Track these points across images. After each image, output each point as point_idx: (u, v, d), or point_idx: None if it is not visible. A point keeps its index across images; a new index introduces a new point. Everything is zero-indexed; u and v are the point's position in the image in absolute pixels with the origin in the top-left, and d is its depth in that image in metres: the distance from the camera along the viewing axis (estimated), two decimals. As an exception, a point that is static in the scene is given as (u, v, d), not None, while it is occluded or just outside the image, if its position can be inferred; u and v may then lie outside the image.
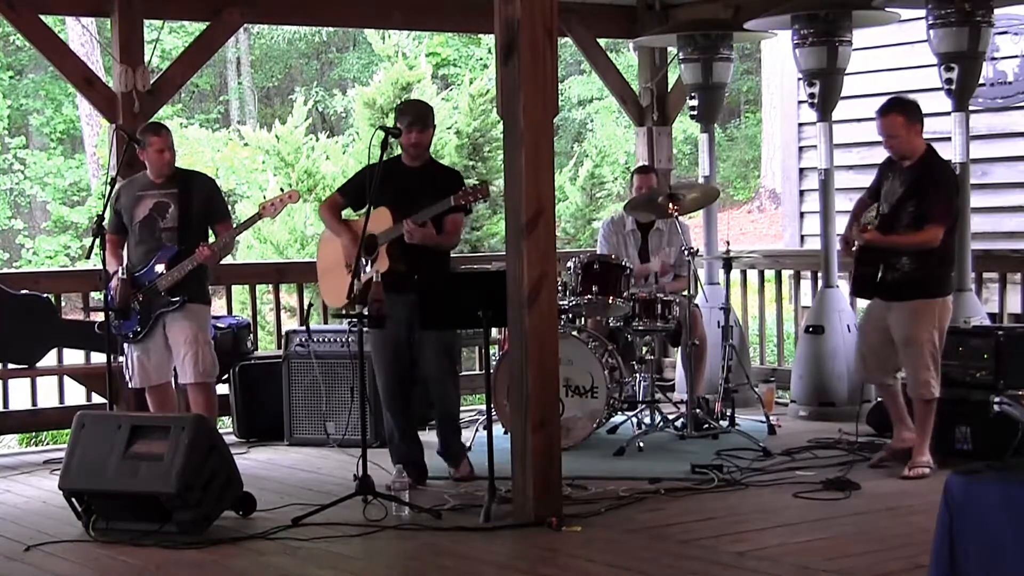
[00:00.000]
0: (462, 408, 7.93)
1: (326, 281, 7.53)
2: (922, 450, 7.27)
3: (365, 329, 6.80)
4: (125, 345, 7.62)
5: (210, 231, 7.54)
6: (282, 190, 7.34)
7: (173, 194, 7.52)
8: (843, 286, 8.79)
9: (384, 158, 6.96)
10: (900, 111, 7.21)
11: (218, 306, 8.33)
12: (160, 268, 7.42)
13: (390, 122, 15.32)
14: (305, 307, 7.86)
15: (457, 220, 7.22)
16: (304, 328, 8.41)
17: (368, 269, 6.99)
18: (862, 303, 7.97)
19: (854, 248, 7.33)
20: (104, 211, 7.50)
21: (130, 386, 7.70)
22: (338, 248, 7.34)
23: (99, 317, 7.90)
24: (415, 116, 7.26)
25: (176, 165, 7.67)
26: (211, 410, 7.49)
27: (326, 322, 9.58)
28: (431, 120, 7.33)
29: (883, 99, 7.45)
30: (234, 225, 7.77)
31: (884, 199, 7.26)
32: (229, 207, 7.80)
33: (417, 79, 15.94)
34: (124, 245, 7.67)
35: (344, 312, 6.97)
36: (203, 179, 7.81)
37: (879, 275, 7.19)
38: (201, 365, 7.48)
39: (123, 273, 7.40)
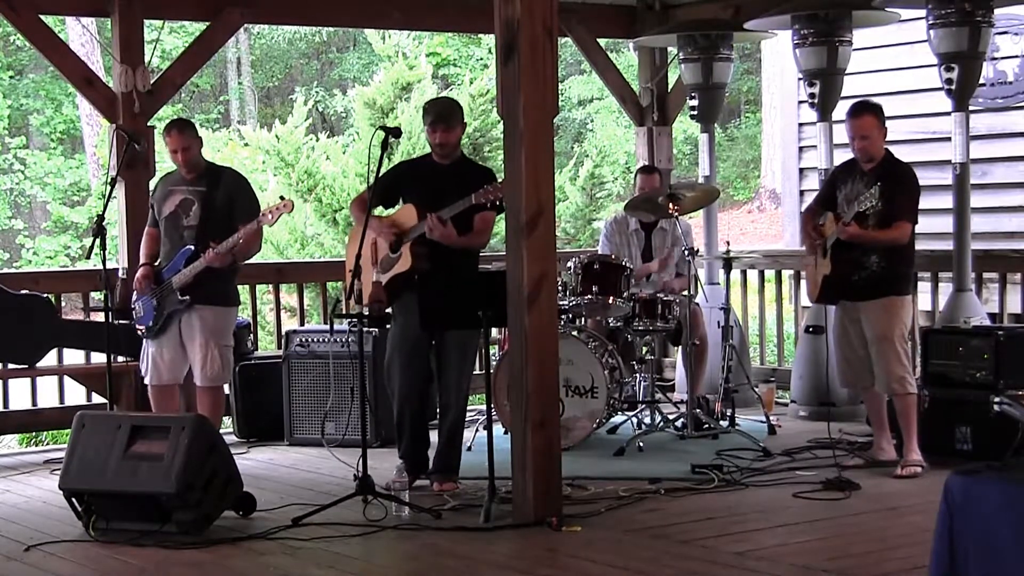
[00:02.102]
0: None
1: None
2: (911, 447, 7.31)
3: (366, 329, 6.78)
4: (144, 340, 7.56)
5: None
6: (282, 198, 7.25)
7: (200, 192, 7.45)
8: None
9: (418, 155, 6.89)
10: (873, 113, 7.37)
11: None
12: (179, 266, 7.38)
13: (391, 122, 15.41)
14: (336, 301, 7.76)
15: (487, 218, 7.06)
16: (328, 327, 8.37)
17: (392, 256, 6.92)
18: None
19: (825, 250, 7.35)
20: (104, 211, 7.49)
21: (145, 382, 7.60)
22: (365, 244, 7.23)
23: (100, 316, 7.88)
24: (436, 115, 7.17)
25: (208, 161, 7.64)
26: (216, 412, 7.45)
27: (326, 322, 9.57)
28: (457, 118, 7.22)
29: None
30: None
31: (845, 203, 7.32)
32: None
33: (417, 79, 15.95)
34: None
35: (345, 312, 6.95)
36: (232, 177, 7.67)
37: (854, 276, 7.26)
38: (209, 370, 7.43)
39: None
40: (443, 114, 7.20)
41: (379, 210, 7.40)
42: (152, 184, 7.86)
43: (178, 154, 7.43)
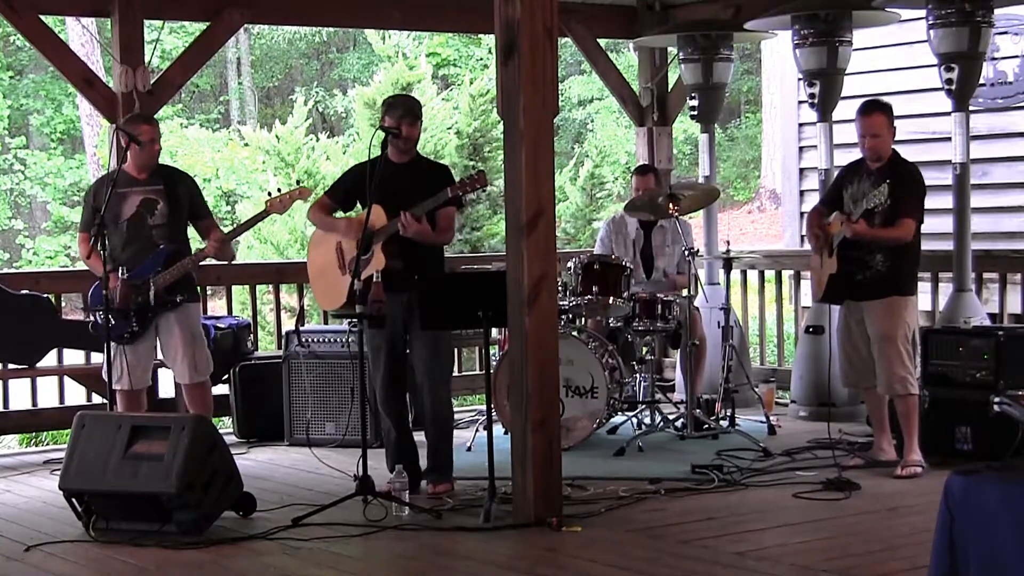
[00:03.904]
0: (462, 408, 7.87)
1: (319, 284, 7.37)
2: (912, 448, 7.31)
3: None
4: (113, 345, 7.43)
5: (191, 227, 7.51)
6: (299, 182, 7.25)
7: (160, 190, 7.43)
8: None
9: (370, 158, 6.92)
10: (883, 112, 7.38)
11: (218, 306, 8.33)
12: (158, 267, 7.37)
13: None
14: (299, 311, 7.84)
15: (450, 214, 7.11)
16: (295, 331, 8.40)
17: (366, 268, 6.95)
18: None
19: (831, 249, 7.35)
20: (104, 211, 7.46)
21: (115, 387, 7.43)
22: (330, 249, 7.21)
23: (91, 317, 7.80)
24: (405, 109, 7.14)
25: None
26: (207, 408, 7.47)
27: (326, 322, 9.58)
28: (421, 114, 7.24)
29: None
30: (242, 221, 7.72)
31: (851, 202, 7.34)
32: (230, 207, 7.77)
33: (417, 79, 15.96)
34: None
35: (344, 312, 6.95)
36: (185, 175, 7.77)
37: (859, 275, 7.26)
38: (199, 365, 7.48)
39: (124, 274, 7.34)
40: (412, 108, 7.19)
41: (338, 214, 7.40)
42: (88, 189, 7.75)
43: (155, 144, 7.43)
